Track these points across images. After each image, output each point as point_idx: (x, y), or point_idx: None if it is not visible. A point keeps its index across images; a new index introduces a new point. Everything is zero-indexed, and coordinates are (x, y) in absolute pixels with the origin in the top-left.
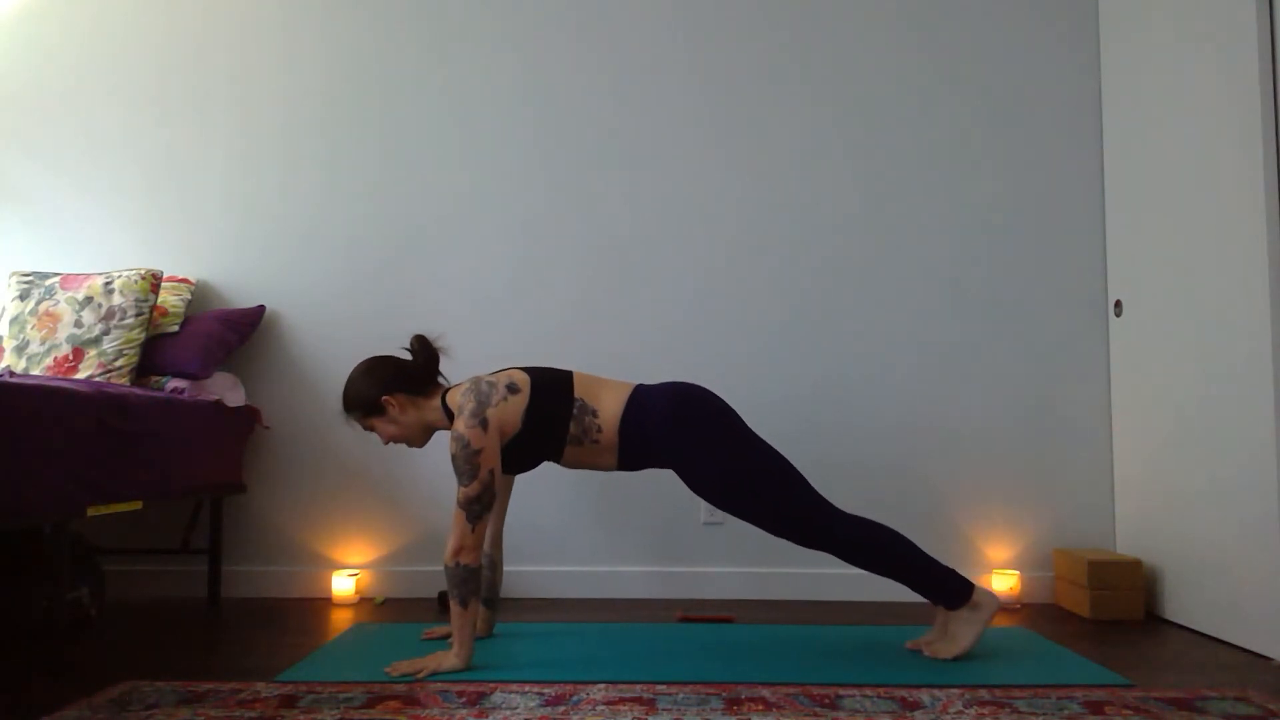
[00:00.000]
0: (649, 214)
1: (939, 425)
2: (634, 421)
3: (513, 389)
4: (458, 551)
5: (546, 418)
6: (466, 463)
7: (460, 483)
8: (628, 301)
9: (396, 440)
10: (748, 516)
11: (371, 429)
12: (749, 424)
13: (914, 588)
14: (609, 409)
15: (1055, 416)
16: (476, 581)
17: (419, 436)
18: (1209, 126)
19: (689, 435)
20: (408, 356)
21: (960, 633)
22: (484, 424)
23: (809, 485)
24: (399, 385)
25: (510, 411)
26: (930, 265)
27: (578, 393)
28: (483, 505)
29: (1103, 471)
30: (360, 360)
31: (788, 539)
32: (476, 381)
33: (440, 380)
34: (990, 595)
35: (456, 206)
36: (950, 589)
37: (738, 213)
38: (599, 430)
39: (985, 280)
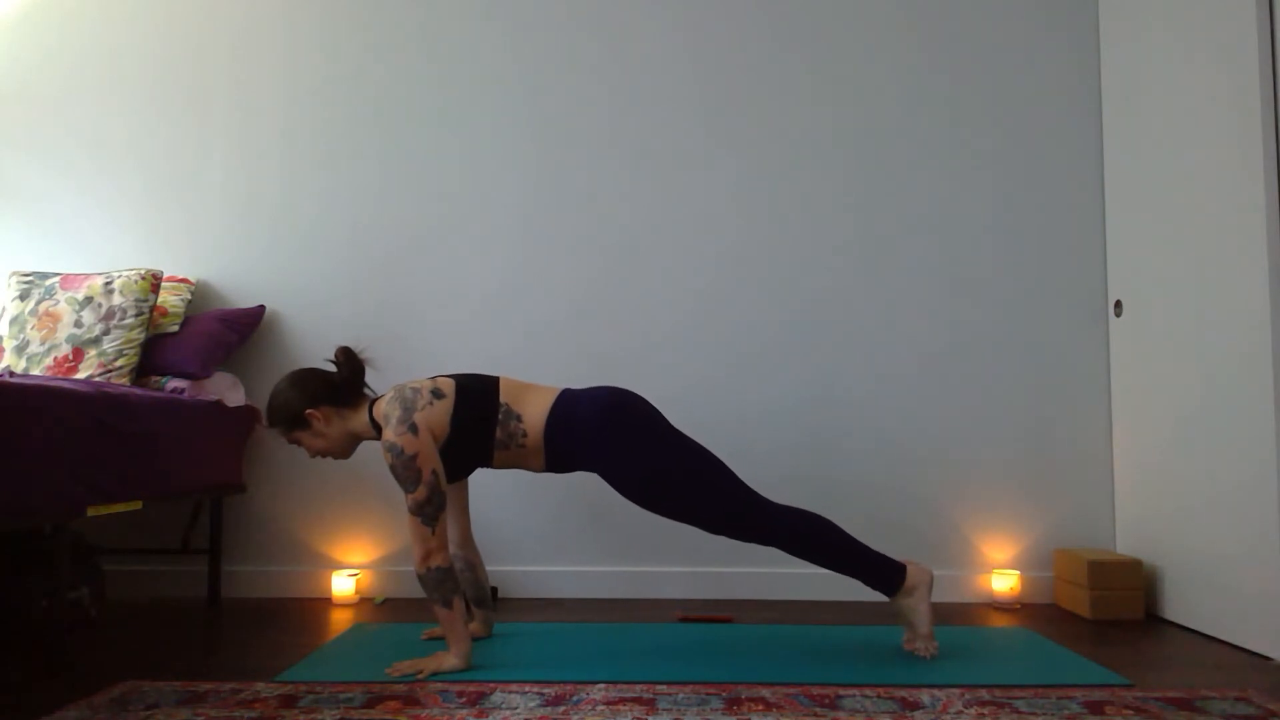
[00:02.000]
0: (648, 215)
1: (939, 425)
2: (559, 426)
3: (437, 394)
4: (426, 557)
5: (472, 422)
6: (406, 469)
7: (406, 490)
8: (627, 302)
9: (323, 453)
10: (678, 517)
11: (296, 442)
12: (752, 423)
13: (855, 575)
14: (534, 414)
15: (1055, 417)
16: (453, 580)
17: (345, 448)
18: (1209, 126)
19: (612, 441)
20: (333, 368)
21: (915, 619)
22: (413, 429)
23: (739, 483)
24: (324, 397)
25: (436, 416)
26: (930, 265)
27: (503, 398)
28: (434, 506)
29: (1103, 471)
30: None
31: (725, 536)
32: (400, 389)
33: (366, 391)
34: (920, 568)
35: (456, 206)
36: (886, 573)
37: (737, 214)
38: (524, 435)
39: (985, 280)
